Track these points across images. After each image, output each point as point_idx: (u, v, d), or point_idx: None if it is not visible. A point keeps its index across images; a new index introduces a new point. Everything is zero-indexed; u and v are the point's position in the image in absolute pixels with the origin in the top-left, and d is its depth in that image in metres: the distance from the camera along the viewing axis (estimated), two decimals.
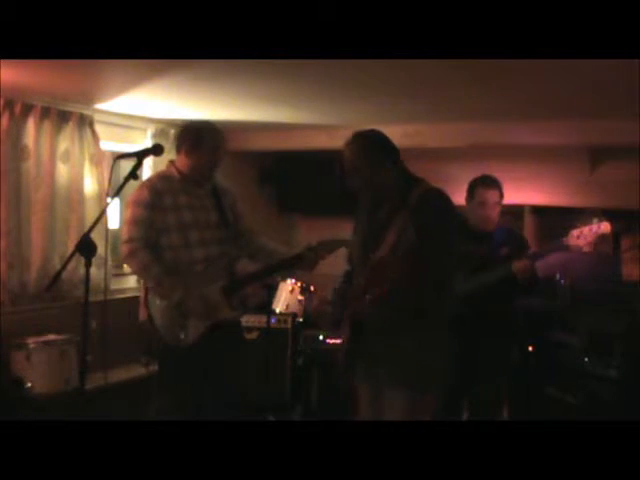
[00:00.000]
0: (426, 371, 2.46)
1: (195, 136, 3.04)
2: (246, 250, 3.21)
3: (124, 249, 2.99)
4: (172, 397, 3.05)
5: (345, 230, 5.66)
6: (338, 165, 2.59)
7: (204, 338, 2.97)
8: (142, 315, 3.08)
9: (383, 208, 2.61)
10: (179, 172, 3.06)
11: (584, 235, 3.24)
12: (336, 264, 5.11)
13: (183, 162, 3.06)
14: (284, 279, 4.94)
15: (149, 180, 3.19)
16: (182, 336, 2.96)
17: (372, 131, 2.64)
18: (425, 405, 2.45)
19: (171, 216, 2.99)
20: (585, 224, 3.28)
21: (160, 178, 3.12)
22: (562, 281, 4.55)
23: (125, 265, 4.26)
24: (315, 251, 3.07)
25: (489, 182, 3.42)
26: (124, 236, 3.04)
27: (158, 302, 3.03)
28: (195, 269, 2.99)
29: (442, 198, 2.58)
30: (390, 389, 2.51)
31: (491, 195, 3.37)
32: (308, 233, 5.94)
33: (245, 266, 3.25)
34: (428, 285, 2.43)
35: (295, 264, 3.13)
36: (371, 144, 2.60)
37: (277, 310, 4.86)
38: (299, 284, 4.97)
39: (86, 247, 2.54)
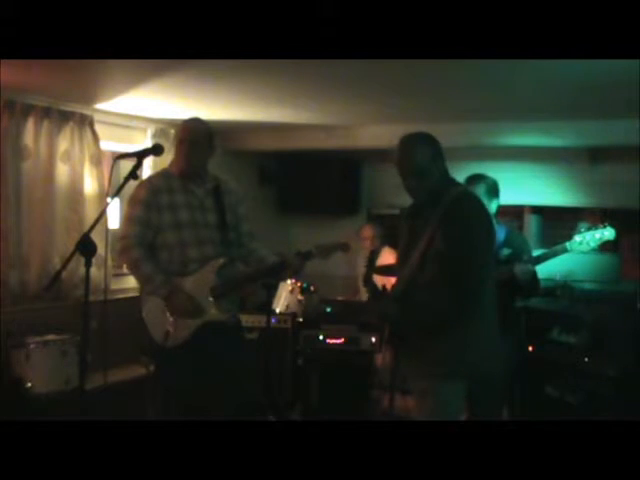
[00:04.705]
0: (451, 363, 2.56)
1: (178, 131, 3.08)
2: (241, 253, 3.20)
3: (118, 246, 3.02)
4: (166, 397, 3.05)
5: (344, 230, 5.68)
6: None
7: (198, 338, 2.96)
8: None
9: (422, 213, 2.65)
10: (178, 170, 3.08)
11: (587, 241, 3.24)
12: (336, 265, 5.14)
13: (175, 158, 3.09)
14: (286, 279, 4.94)
15: (148, 178, 3.20)
16: (169, 337, 2.95)
17: (425, 133, 2.67)
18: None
19: (167, 215, 2.99)
20: (589, 228, 3.27)
21: (159, 176, 3.13)
22: (562, 281, 4.55)
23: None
24: (301, 258, 3.07)
25: (471, 181, 3.43)
26: (119, 233, 3.08)
27: (149, 302, 3.04)
28: (190, 268, 2.99)
29: (472, 202, 2.61)
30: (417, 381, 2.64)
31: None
32: (308, 233, 5.94)
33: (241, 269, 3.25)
34: (454, 290, 2.47)
35: (280, 271, 3.14)
36: (428, 146, 2.62)
37: (277, 310, 4.86)
38: (299, 284, 4.97)
39: (86, 247, 2.54)
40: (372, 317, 2.83)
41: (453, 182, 2.67)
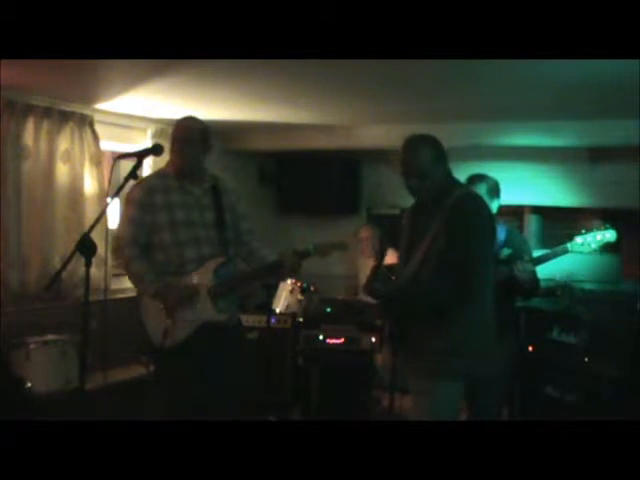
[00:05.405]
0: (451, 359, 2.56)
1: (172, 131, 3.08)
2: (242, 251, 3.19)
3: (113, 245, 3.03)
4: (166, 397, 3.05)
5: (344, 230, 5.69)
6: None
7: (198, 339, 2.95)
8: None
9: (425, 213, 2.68)
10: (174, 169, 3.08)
11: (588, 242, 3.24)
12: (336, 265, 5.14)
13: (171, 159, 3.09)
14: (284, 279, 4.93)
15: (144, 178, 3.20)
16: (168, 337, 2.95)
17: (429, 135, 2.70)
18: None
19: (162, 215, 2.98)
20: (589, 229, 3.27)
21: (155, 176, 3.14)
22: (562, 281, 4.55)
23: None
24: (298, 256, 3.06)
25: (472, 181, 3.42)
26: (115, 234, 3.09)
27: (146, 302, 3.04)
28: (187, 269, 2.99)
29: (475, 202, 2.65)
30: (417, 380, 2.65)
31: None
32: (308, 233, 5.93)
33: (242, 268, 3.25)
34: (454, 289, 2.50)
35: (276, 270, 3.13)
36: (431, 147, 2.65)
37: (277, 310, 4.86)
38: (299, 284, 4.97)
39: (86, 247, 2.54)
40: (369, 292, 2.81)
41: (457, 183, 2.72)
